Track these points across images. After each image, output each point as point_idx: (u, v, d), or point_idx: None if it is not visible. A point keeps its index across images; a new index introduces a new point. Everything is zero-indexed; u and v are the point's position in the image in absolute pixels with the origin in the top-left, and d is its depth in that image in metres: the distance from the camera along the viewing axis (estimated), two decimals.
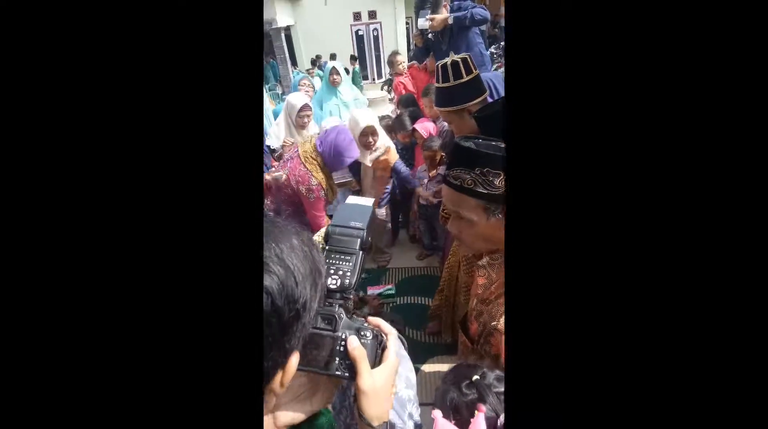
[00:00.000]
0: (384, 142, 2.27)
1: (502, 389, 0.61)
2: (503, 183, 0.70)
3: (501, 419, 0.56)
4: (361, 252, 0.51)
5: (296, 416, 0.46)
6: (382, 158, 2.28)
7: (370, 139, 2.13)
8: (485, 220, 0.74)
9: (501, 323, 0.73)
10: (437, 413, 0.59)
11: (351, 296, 0.51)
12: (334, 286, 0.48)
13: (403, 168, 2.43)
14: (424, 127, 2.38)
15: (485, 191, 0.72)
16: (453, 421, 0.58)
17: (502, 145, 0.73)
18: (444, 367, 1.82)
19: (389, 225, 2.99)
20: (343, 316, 0.48)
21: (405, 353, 0.77)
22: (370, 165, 2.25)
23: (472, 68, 1.42)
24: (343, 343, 0.47)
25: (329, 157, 1.87)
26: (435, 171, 2.29)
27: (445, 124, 2.11)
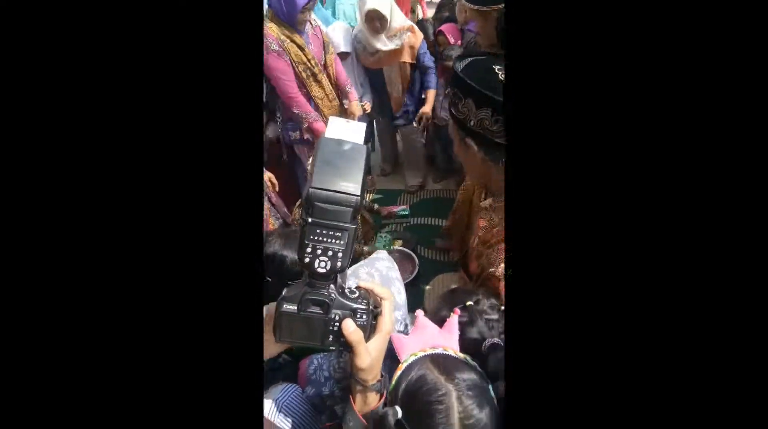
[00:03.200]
0: (402, 23, 2.06)
1: (494, 317, 0.66)
2: (494, 124, 0.68)
3: (486, 343, 0.61)
4: (353, 226, 0.41)
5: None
6: (405, 42, 2.09)
7: (377, 24, 1.98)
8: (481, 154, 0.74)
9: (499, 269, 0.76)
10: (419, 312, 0.65)
11: (343, 280, 0.47)
12: (324, 271, 0.42)
13: (427, 58, 2.19)
14: (450, 31, 2.15)
15: (475, 129, 0.71)
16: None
17: (500, 76, 0.70)
18: (449, 285, 1.94)
19: (422, 140, 2.59)
20: (335, 296, 0.45)
21: (395, 274, 0.83)
22: (385, 48, 2.07)
23: None
24: (337, 324, 0.45)
25: (277, 4, 1.68)
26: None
27: (471, 33, 1.96)
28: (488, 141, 0.71)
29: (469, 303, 0.68)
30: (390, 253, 1.87)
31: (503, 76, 0.70)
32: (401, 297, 0.79)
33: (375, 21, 1.98)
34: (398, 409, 0.54)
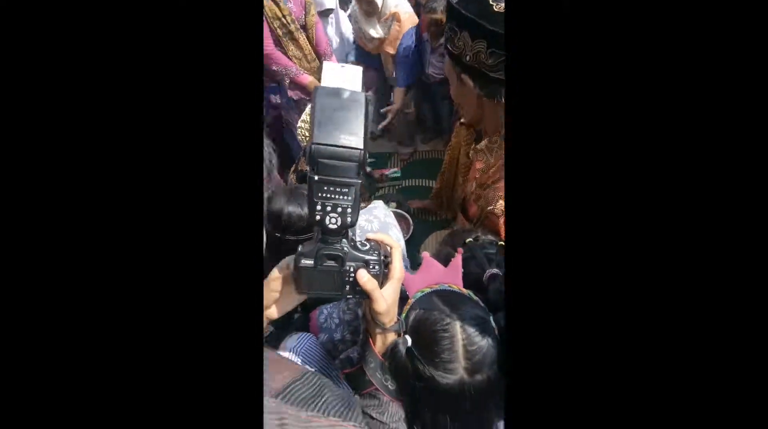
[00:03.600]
0: (394, 7, 1.95)
1: (493, 251, 0.69)
2: (489, 58, 0.68)
3: (486, 274, 0.65)
4: (359, 181, 0.41)
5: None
6: (393, 31, 2.00)
7: (364, 6, 1.89)
8: (477, 91, 0.73)
9: (497, 207, 0.78)
10: (426, 253, 0.69)
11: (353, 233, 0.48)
12: (335, 226, 0.43)
13: (401, 51, 2.04)
14: None
15: (471, 64, 0.70)
16: None
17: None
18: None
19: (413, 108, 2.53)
20: (348, 250, 0.47)
21: (392, 220, 0.85)
22: (377, 36, 2.00)
23: None
24: (352, 275, 0.48)
25: None
26: (438, 41, 1.98)
27: None
28: (484, 75, 0.70)
29: (468, 240, 0.71)
30: None
31: (499, 7, 0.67)
32: (401, 242, 0.80)
33: (363, 3, 1.88)
34: (408, 338, 0.56)
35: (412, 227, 1.96)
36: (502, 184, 0.78)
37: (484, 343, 0.55)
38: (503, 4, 0.68)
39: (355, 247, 0.48)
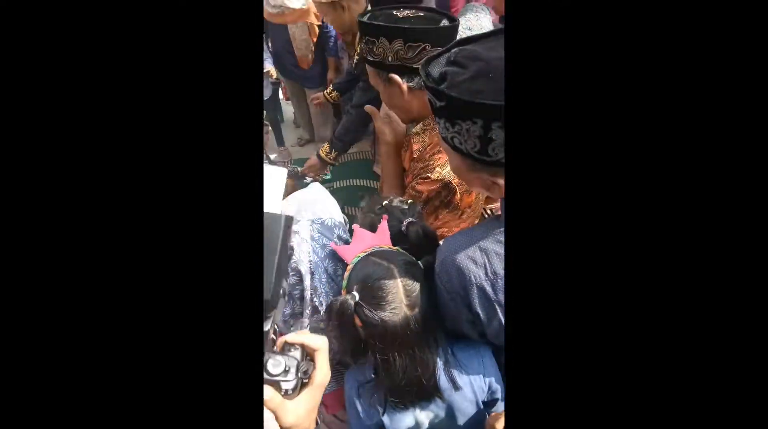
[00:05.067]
0: None
1: (404, 207, 0.82)
2: (408, 51, 0.81)
3: (404, 224, 0.78)
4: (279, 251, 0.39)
5: None
6: (311, 3, 2.07)
7: None
8: (406, 85, 0.85)
9: (435, 173, 0.87)
10: (356, 226, 0.80)
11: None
12: None
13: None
14: None
15: (394, 62, 0.83)
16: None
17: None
18: None
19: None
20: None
21: (326, 194, 0.91)
22: (290, 5, 2.04)
23: None
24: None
25: None
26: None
27: None
28: (409, 69, 0.82)
29: (384, 203, 0.84)
30: None
31: (402, 13, 0.82)
32: (337, 210, 0.89)
33: None
34: (355, 293, 0.65)
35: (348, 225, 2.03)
36: (439, 156, 0.88)
37: (416, 286, 0.67)
38: (405, 12, 0.84)
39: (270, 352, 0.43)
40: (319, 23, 2.22)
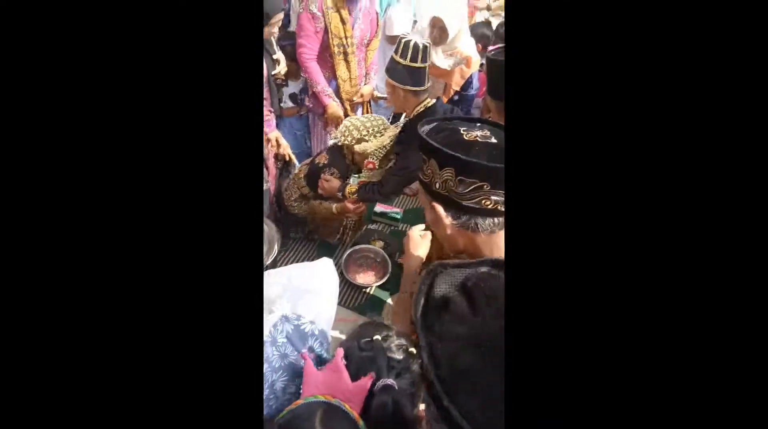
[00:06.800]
0: (464, 49, 2.05)
1: (398, 357, 0.66)
2: (458, 185, 0.69)
3: (379, 384, 0.61)
4: None
5: None
6: (457, 68, 2.10)
7: (435, 33, 1.98)
8: (449, 220, 0.73)
9: None
10: (340, 350, 0.66)
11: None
12: None
13: (471, 90, 2.25)
14: None
15: (441, 192, 0.71)
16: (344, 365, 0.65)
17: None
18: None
19: None
20: None
21: (328, 283, 0.81)
22: (437, 63, 2.05)
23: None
24: None
25: None
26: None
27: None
28: (455, 203, 0.71)
29: (376, 337, 0.68)
30: (366, 250, 1.89)
31: (470, 136, 0.71)
32: (328, 312, 0.79)
33: (434, 29, 1.96)
34: None
35: (389, 274, 1.95)
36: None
37: None
38: (475, 133, 0.71)
39: None
40: (458, 89, 2.23)
